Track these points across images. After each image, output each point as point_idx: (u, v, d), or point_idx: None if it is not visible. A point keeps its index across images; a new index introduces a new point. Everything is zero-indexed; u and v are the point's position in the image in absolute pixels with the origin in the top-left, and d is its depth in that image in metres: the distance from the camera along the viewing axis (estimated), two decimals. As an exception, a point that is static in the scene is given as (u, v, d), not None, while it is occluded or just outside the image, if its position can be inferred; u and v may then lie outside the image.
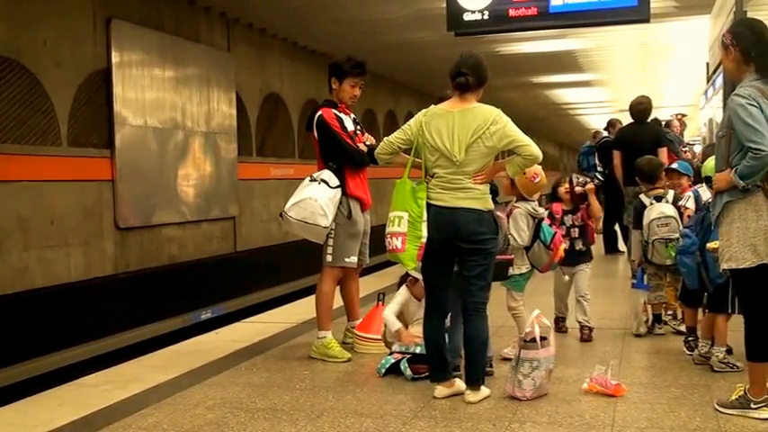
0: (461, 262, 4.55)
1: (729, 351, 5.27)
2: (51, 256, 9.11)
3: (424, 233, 4.43)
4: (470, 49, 4.85)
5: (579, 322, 6.02)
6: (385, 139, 4.73)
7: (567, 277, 6.14)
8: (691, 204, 5.59)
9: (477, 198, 4.46)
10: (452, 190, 4.46)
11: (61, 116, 9.27)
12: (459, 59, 4.60)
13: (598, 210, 6.16)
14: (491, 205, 4.57)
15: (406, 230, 4.44)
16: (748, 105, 3.92)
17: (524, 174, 5.27)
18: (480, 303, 4.56)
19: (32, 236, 8.83)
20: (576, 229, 6.07)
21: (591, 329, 5.98)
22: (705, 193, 5.44)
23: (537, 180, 5.33)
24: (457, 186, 4.46)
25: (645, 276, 6.16)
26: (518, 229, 5.27)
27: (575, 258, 6.01)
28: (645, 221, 5.83)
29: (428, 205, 4.49)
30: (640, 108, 9.18)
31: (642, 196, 6.13)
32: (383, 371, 5.10)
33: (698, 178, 6.10)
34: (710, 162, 4.94)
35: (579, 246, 6.06)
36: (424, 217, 4.44)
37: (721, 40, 4.23)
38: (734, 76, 4.21)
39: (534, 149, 4.48)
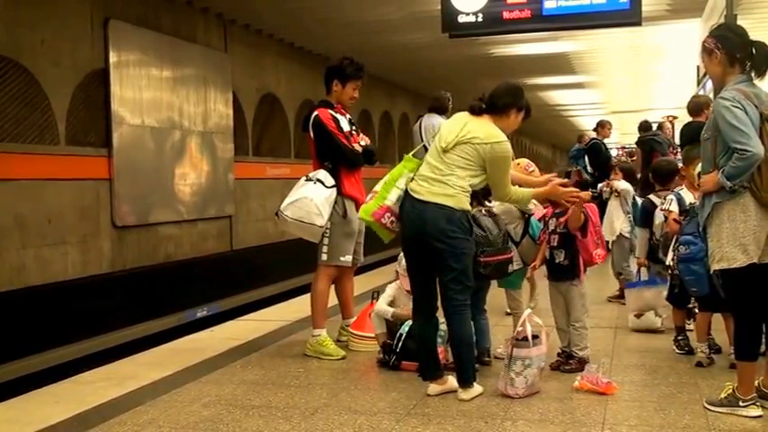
0: (437, 265, 4.54)
1: (718, 350, 5.34)
2: (48, 255, 9.15)
3: (390, 198, 4.62)
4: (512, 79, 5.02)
5: (563, 349, 5.16)
6: None
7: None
8: (674, 207, 5.53)
9: (450, 195, 4.46)
10: (431, 180, 4.49)
11: (59, 115, 9.32)
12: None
13: (576, 220, 4.92)
14: (465, 206, 4.53)
15: (379, 189, 4.69)
16: (733, 107, 3.97)
17: (518, 164, 5.36)
18: (459, 304, 4.54)
19: (30, 234, 8.87)
20: (557, 237, 5.04)
21: (581, 361, 4.98)
22: (687, 195, 5.48)
23: (531, 169, 5.41)
24: (434, 177, 4.49)
25: (647, 273, 6.20)
26: (509, 221, 5.26)
27: (555, 272, 5.09)
28: (657, 221, 5.86)
29: (406, 194, 4.58)
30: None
31: (652, 196, 6.16)
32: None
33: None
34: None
35: (560, 258, 5.01)
36: (399, 185, 4.62)
37: (703, 46, 4.27)
38: (719, 79, 4.23)
39: (503, 192, 4.68)
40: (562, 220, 5.03)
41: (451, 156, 4.50)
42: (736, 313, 4.27)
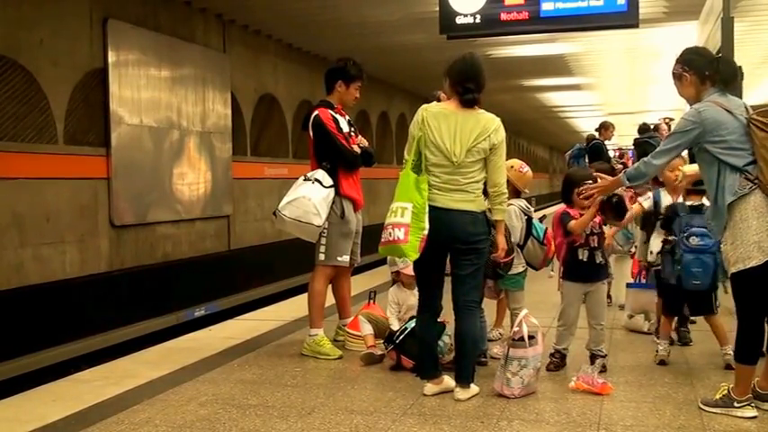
0: (455, 261, 4.62)
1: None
2: (47, 253, 9.15)
3: (426, 225, 4.43)
4: (470, 51, 4.81)
5: (590, 350, 5.14)
6: (404, 159, 4.69)
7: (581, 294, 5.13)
8: (647, 204, 5.67)
9: (471, 201, 4.54)
10: (449, 191, 4.52)
11: (57, 114, 9.32)
12: (462, 68, 4.63)
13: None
14: (484, 206, 4.64)
15: (410, 222, 4.40)
16: (690, 121, 4.24)
17: (512, 167, 5.38)
18: (472, 302, 4.65)
19: (28, 233, 8.88)
20: (596, 237, 5.05)
21: (605, 357, 5.11)
22: (666, 197, 5.56)
23: (525, 170, 5.43)
24: (453, 188, 4.52)
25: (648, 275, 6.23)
26: (511, 226, 5.26)
27: (594, 273, 5.07)
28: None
29: None
30: None
31: None
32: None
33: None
34: (692, 166, 5.05)
35: (599, 258, 5.06)
36: (427, 209, 4.46)
37: (673, 74, 4.49)
38: (695, 99, 4.41)
39: (502, 181, 4.62)
40: (597, 220, 5.04)
41: (464, 164, 4.52)
42: (742, 316, 4.25)
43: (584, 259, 5.04)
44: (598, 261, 5.06)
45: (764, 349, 4.28)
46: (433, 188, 4.54)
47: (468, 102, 4.58)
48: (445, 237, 4.51)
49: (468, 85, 4.57)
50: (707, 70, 4.34)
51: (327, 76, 5.80)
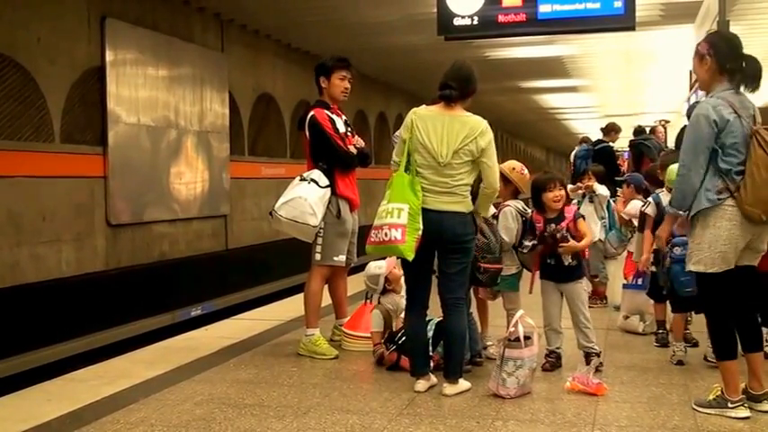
0: (443, 260, 4.68)
1: (695, 344, 5.51)
2: (43, 252, 9.15)
3: (421, 225, 4.49)
4: (462, 57, 4.95)
5: (582, 348, 5.18)
6: (392, 162, 4.77)
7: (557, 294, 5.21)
8: (651, 211, 5.66)
9: (460, 202, 4.61)
10: (437, 194, 4.57)
11: (54, 113, 9.32)
12: (450, 70, 4.72)
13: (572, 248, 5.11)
14: (471, 206, 4.70)
15: (406, 222, 4.46)
16: (704, 123, 4.04)
17: (514, 169, 5.40)
18: (459, 299, 4.71)
19: (24, 231, 8.88)
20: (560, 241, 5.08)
21: (599, 355, 5.15)
22: (666, 197, 5.55)
23: (525, 171, 5.46)
24: (442, 190, 4.57)
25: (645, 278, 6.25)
26: (507, 227, 5.28)
27: (562, 274, 5.15)
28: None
29: None
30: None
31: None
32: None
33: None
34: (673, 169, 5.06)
35: (568, 260, 5.11)
36: (420, 210, 4.52)
37: (696, 50, 4.30)
38: (706, 85, 4.30)
39: (496, 180, 4.70)
40: (564, 224, 5.09)
41: (451, 165, 4.56)
42: (709, 315, 4.31)
43: (552, 262, 5.13)
44: (566, 263, 5.11)
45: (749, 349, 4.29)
46: (423, 190, 4.58)
47: (443, 98, 4.64)
48: (435, 237, 4.56)
49: (449, 83, 4.64)
50: (729, 63, 4.15)
51: (315, 78, 5.83)
